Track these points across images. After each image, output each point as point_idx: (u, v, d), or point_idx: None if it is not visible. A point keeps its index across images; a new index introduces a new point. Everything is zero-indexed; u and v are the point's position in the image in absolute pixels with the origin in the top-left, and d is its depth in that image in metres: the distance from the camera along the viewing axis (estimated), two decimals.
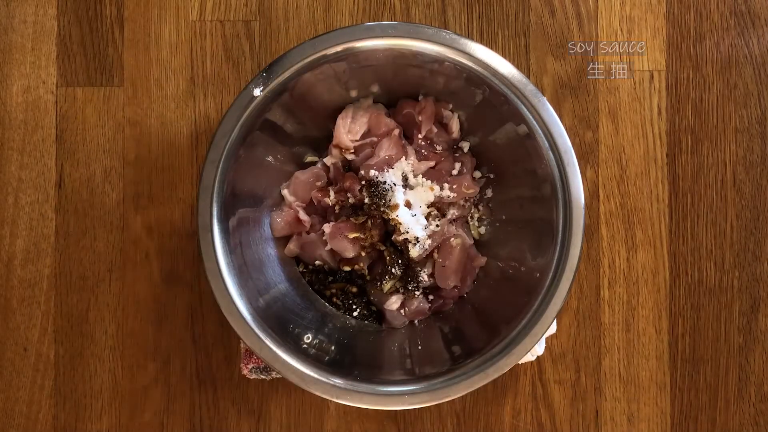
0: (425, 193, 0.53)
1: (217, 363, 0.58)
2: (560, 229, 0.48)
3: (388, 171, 0.53)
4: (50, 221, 0.59)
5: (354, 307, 0.56)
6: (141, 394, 0.58)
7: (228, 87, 0.59)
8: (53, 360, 0.58)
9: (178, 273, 0.58)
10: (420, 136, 0.55)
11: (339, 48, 0.47)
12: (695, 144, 0.60)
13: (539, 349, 0.56)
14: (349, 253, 0.54)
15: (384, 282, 0.54)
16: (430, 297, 0.56)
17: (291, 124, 0.53)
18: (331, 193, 0.54)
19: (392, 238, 0.53)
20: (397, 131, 0.54)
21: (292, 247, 0.56)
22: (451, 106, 0.56)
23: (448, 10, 0.60)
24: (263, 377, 0.56)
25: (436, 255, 0.54)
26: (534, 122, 0.48)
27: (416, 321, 0.56)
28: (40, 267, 0.59)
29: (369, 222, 0.53)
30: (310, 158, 0.57)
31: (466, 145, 0.56)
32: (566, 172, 0.48)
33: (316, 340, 0.52)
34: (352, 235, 0.53)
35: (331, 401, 0.54)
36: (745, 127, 0.60)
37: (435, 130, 0.55)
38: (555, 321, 0.51)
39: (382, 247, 0.54)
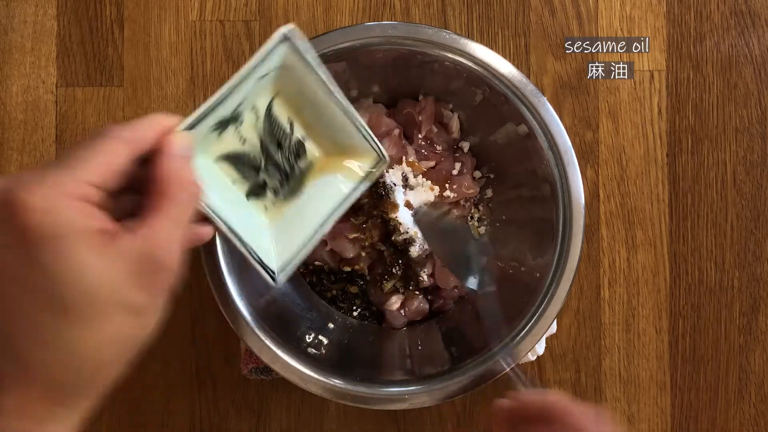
0: (425, 193, 0.53)
1: (217, 363, 0.58)
2: (560, 229, 0.48)
3: (388, 171, 0.53)
4: None
5: (354, 307, 0.56)
6: (141, 394, 0.58)
7: None
8: None
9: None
10: (420, 136, 0.55)
11: (339, 48, 0.47)
12: (695, 144, 0.60)
13: (539, 349, 0.56)
14: (349, 253, 0.53)
15: (384, 282, 0.54)
16: (430, 297, 0.56)
17: None
18: None
19: (392, 238, 0.53)
20: (397, 131, 0.54)
21: None
22: (451, 106, 0.56)
23: (448, 10, 0.60)
24: (263, 377, 0.56)
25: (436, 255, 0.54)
26: (534, 122, 0.48)
27: (416, 321, 0.56)
28: None
29: (369, 222, 0.53)
30: None
31: (466, 145, 0.56)
32: (566, 172, 0.48)
33: (317, 341, 0.52)
34: (352, 235, 0.53)
35: (331, 401, 0.54)
36: (745, 127, 0.60)
37: (435, 130, 0.55)
38: (555, 321, 0.51)
39: (382, 247, 0.54)
